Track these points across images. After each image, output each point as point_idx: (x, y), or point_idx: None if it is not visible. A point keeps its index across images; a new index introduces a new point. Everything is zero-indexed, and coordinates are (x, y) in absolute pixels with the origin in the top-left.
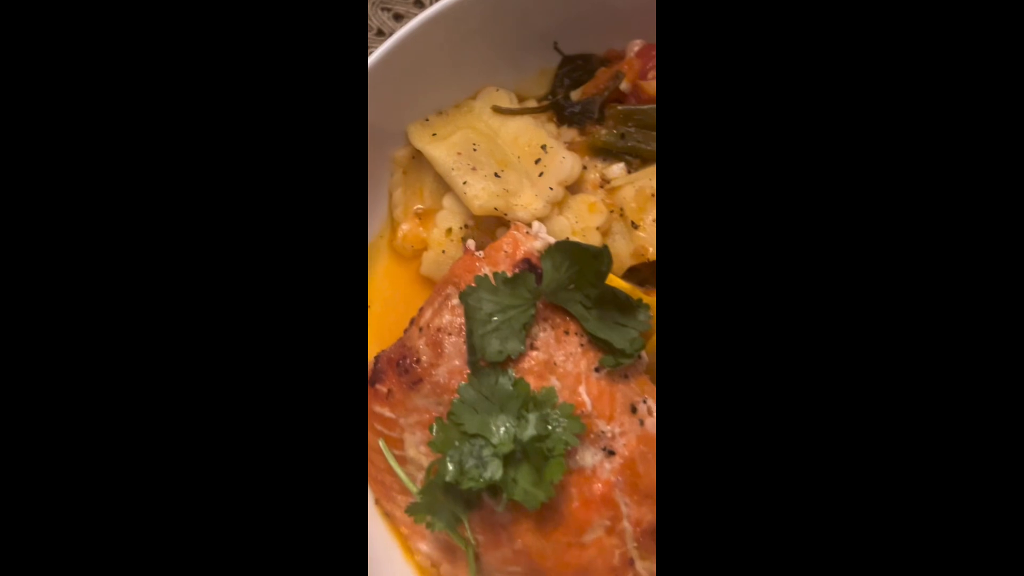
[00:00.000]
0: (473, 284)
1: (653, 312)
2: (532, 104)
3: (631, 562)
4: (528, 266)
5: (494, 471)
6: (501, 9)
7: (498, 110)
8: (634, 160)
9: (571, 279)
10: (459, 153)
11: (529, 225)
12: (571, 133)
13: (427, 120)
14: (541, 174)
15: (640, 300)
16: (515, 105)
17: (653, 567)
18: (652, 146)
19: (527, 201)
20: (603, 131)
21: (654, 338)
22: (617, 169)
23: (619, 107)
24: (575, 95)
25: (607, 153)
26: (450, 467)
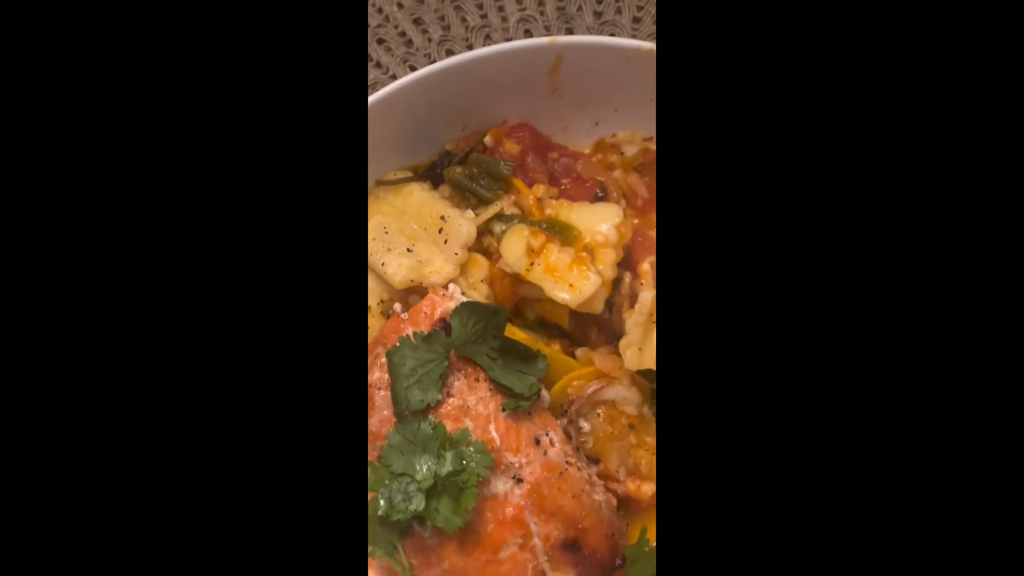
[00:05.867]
0: (397, 344)
1: (559, 358)
2: (409, 175)
3: (543, 573)
4: (443, 324)
5: (418, 503)
6: (401, 116)
7: (382, 182)
8: (474, 201)
9: (477, 334)
10: (374, 239)
11: (445, 287)
12: (447, 190)
13: None
14: (446, 241)
15: (539, 351)
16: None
17: None
18: (491, 193)
19: (439, 267)
20: (459, 169)
21: (559, 383)
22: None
23: (477, 155)
24: (449, 147)
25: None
26: (382, 503)
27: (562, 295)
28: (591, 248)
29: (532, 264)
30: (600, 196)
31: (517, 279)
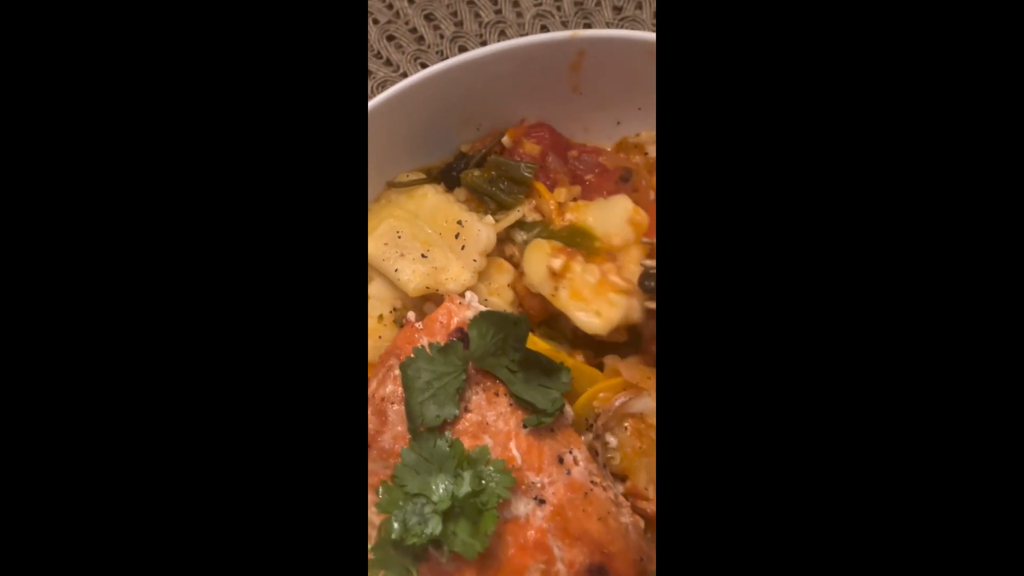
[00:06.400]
0: (412, 356)
1: (583, 370)
2: (422, 176)
3: None
4: (460, 334)
5: (434, 527)
6: (412, 115)
7: (393, 184)
8: (493, 205)
9: (497, 346)
10: (386, 244)
11: (462, 295)
12: (463, 193)
13: None
14: (463, 247)
15: (562, 363)
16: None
17: None
18: (511, 198)
19: (456, 274)
20: (476, 172)
21: (583, 396)
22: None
23: (496, 157)
24: (464, 148)
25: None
26: (395, 525)
27: (591, 324)
28: (614, 254)
29: (557, 288)
30: (625, 179)
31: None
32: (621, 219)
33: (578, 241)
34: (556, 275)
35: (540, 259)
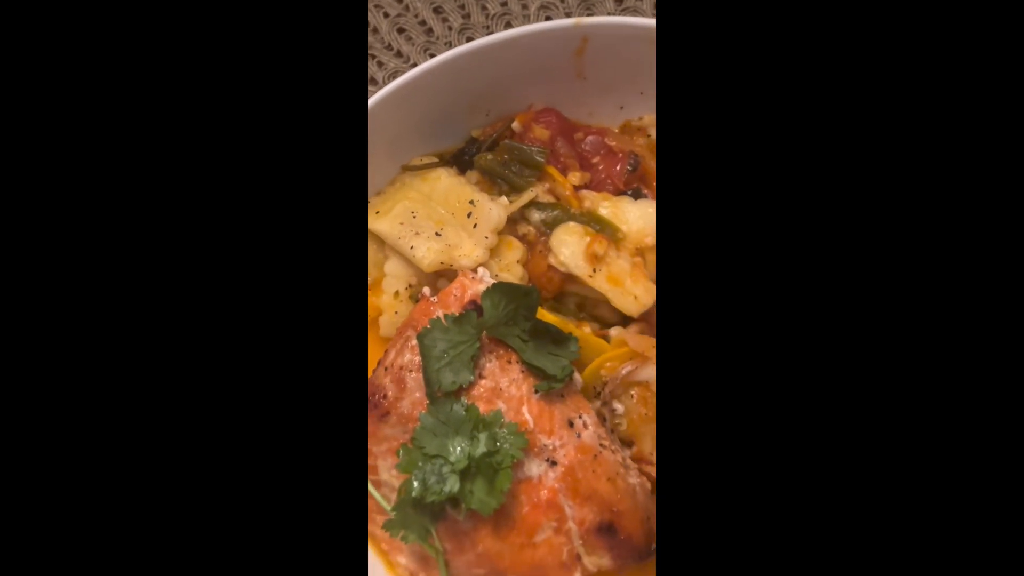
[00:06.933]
0: (428, 326)
1: (590, 340)
2: (435, 160)
3: (578, 557)
4: (474, 306)
5: (452, 485)
6: (423, 102)
7: (407, 168)
8: (505, 187)
9: (508, 315)
10: (401, 223)
11: (475, 271)
12: (475, 175)
13: (368, 202)
14: (475, 225)
15: (570, 333)
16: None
17: (599, 561)
18: (523, 180)
19: (468, 251)
20: (489, 156)
21: (591, 364)
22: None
23: (508, 142)
24: (476, 133)
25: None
26: (415, 484)
27: (627, 306)
28: (642, 251)
29: (595, 271)
30: (633, 167)
31: (570, 277)
32: (654, 224)
33: (604, 229)
34: (598, 259)
35: (576, 242)
